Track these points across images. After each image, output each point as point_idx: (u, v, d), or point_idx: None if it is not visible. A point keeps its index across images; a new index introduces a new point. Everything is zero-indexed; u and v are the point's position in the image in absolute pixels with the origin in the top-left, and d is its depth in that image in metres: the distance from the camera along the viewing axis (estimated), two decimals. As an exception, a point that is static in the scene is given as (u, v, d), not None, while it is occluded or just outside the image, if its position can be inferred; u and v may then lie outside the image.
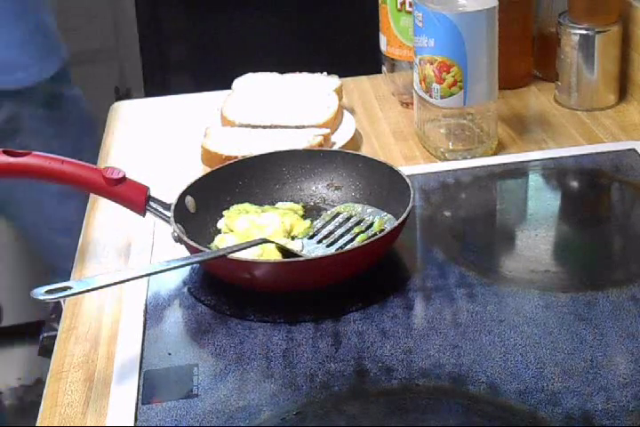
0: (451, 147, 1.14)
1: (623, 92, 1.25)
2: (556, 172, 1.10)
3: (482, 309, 0.87)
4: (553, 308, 0.87)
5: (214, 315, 0.88)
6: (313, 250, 0.95)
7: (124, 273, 0.84)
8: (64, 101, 1.62)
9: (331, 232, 0.97)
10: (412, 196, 0.93)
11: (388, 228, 0.92)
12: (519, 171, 1.10)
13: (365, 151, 1.17)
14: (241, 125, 1.19)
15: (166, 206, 0.96)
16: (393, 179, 0.98)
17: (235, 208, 0.99)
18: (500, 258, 0.98)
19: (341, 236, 0.97)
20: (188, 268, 0.94)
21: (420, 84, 1.12)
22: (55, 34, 1.63)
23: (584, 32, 1.20)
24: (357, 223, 0.98)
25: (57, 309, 1.24)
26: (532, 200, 1.08)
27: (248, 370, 0.82)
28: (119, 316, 0.91)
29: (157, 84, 1.85)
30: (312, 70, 1.30)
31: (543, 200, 1.07)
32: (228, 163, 1.03)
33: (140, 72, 2.01)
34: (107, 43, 2.20)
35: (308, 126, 1.17)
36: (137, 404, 0.79)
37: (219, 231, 0.98)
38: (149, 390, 0.80)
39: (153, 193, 0.97)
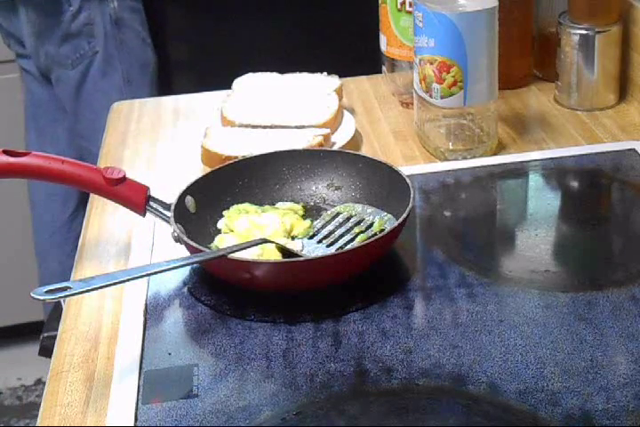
0: (451, 147, 1.14)
1: (623, 92, 1.25)
2: (555, 172, 1.10)
3: (482, 309, 0.87)
4: (553, 308, 0.87)
5: (214, 315, 0.88)
6: (313, 250, 0.95)
7: (123, 273, 0.84)
8: (127, 28, 1.76)
9: (331, 232, 0.97)
10: (412, 196, 0.93)
11: (388, 228, 0.92)
12: (519, 171, 1.10)
13: (365, 151, 1.17)
14: (241, 125, 1.19)
15: (166, 206, 0.96)
16: (393, 179, 0.98)
17: (235, 208, 0.99)
18: (500, 258, 0.98)
19: (341, 236, 0.97)
20: (188, 268, 0.94)
21: (420, 84, 1.12)
22: None
23: (584, 32, 1.20)
24: (357, 223, 0.98)
25: (57, 309, 1.23)
26: (532, 200, 1.08)
27: (248, 370, 0.82)
28: (119, 316, 0.91)
29: (158, 84, 1.85)
30: (312, 70, 1.30)
31: (543, 200, 1.07)
32: (227, 163, 1.03)
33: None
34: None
35: (308, 126, 1.17)
36: (137, 404, 0.79)
37: (219, 231, 0.98)
38: (149, 390, 0.80)
39: (153, 193, 0.97)
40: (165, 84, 1.84)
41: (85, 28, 1.72)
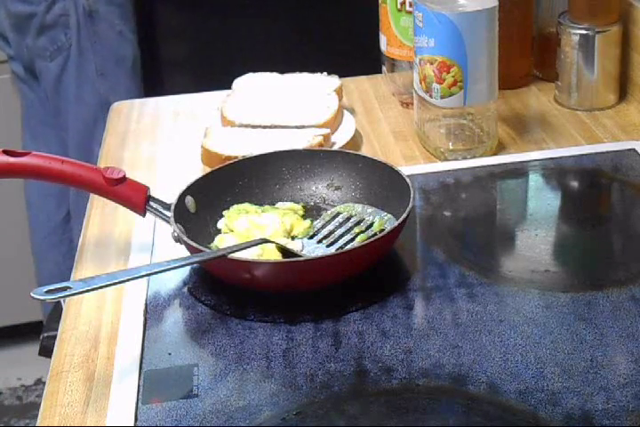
0: (451, 147, 1.14)
1: (623, 92, 1.25)
2: (556, 172, 1.10)
3: (482, 309, 0.87)
4: (553, 308, 0.87)
5: (214, 315, 0.88)
6: (313, 250, 0.95)
7: (123, 273, 0.84)
8: (102, 21, 1.76)
9: (331, 232, 0.97)
10: (412, 196, 0.93)
11: (388, 228, 0.92)
12: (519, 171, 1.10)
13: (365, 151, 1.17)
14: (241, 125, 1.19)
15: (166, 206, 0.96)
16: (393, 179, 0.98)
17: (235, 208, 0.99)
18: (500, 258, 0.98)
19: (341, 236, 0.97)
20: (188, 268, 0.94)
21: (420, 84, 1.12)
22: None
23: (584, 32, 1.20)
24: (357, 223, 0.98)
25: (57, 309, 1.24)
26: (532, 200, 1.08)
27: (248, 370, 0.82)
28: (119, 316, 0.91)
29: (157, 84, 1.85)
30: (312, 70, 1.30)
31: (543, 200, 1.07)
32: (227, 163, 1.03)
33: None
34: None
35: (308, 126, 1.17)
36: (137, 404, 0.79)
37: (219, 231, 0.98)
38: (149, 390, 0.80)
39: (153, 193, 0.97)
40: (164, 84, 1.84)
41: (61, 20, 1.72)
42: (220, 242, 0.95)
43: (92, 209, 1.10)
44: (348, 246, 0.94)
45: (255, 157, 1.04)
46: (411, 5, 1.16)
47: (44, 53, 1.74)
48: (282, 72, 1.31)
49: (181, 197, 0.96)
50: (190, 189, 0.98)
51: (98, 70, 1.75)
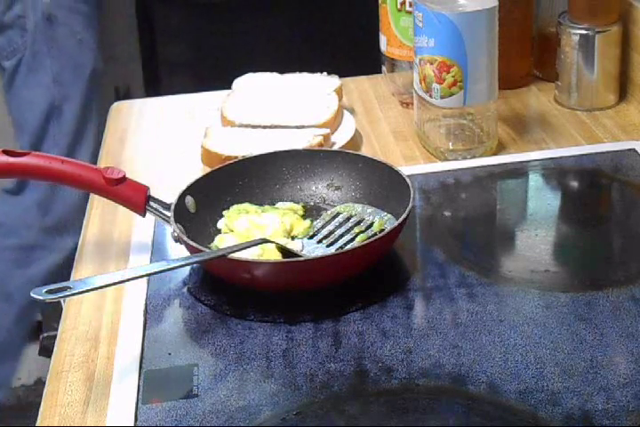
0: (451, 147, 1.14)
1: (623, 92, 1.25)
2: (556, 172, 1.10)
3: (482, 309, 0.87)
4: (553, 308, 0.87)
5: (214, 315, 0.88)
6: (313, 250, 0.95)
7: (123, 273, 0.84)
8: (61, 27, 1.75)
9: (331, 232, 0.97)
10: (412, 196, 0.93)
11: (388, 228, 0.92)
12: (519, 171, 1.11)
13: (365, 151, 1.17)
14: (241, 125, 1.19)
15: (166, 206, 0.96)
16: (393, 179, 0.98)
17: (235, 208, 0.99)
18: (500, 258, 0.98)
19: (341, 236, 0.97)
20: (188, 268, 0.94)
21: (420, 84, 1.12)
22: None
23: (584, 32, 1.20)
24: (357, 223, 0.98)
25: (57, 309, 1.24)
26: (532, 200, 1.08)
27: (248, 370, 0.82)
28: (119, 316, 0.91)
29: (157, 84, 1.85)
30: (312, 70, 1.30)
31: (543, 200, 1.07)
32: (227, 163, 1.03)
33: (140, 72, 2.01)
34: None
35: (308, 126, 1.17)
36: (137, 404, 0.79)
37: (219, 231, 0.98)
38: (149, 390, 0.80)
39: (153, 193, 0.97)
40: (164, 84, 1.84)
41: (19, 21, 1.71)
42: (220, 242, 0.95)
43: (91, 209, 1.10)
44: (348, 246, 0.94)
45: (255, 157, 1.04)
46: (411, 5, 1.16)
47: (1, 53, 1.74)
48: (282, 72, 1.31)
49: (181, 197, 0.96)
50: (190, 189, 0.98)
51: (54, 77, 1.73)
